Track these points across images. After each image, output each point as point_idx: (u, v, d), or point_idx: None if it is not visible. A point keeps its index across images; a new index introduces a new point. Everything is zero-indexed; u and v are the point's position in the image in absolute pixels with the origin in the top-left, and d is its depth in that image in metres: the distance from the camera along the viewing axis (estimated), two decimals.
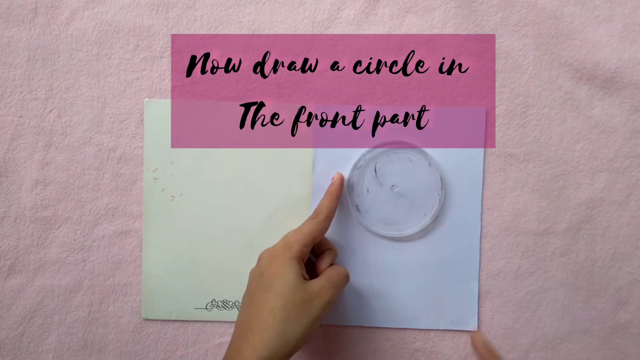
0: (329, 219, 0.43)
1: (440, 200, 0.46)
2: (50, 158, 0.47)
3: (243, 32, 0.47)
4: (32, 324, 0.48)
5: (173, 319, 0.48)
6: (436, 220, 0.47)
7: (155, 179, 0.47)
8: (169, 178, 0.47)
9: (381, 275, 0.47)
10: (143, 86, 0.47)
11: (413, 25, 0.46)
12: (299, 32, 0.47)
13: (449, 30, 0.46)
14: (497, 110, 0.47)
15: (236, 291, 0.48)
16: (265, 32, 0.47)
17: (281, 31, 0.47)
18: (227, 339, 0.48)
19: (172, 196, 0.47)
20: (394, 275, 0.47)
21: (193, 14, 0.47)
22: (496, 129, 0.47)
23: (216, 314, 0.48)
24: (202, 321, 0.48)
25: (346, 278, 0.42)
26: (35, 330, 0.48)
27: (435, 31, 0.46)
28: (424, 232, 0.47)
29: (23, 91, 0.47)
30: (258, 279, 0.40)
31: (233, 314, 0.48)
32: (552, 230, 0.47)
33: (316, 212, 0.43)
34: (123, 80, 0.47)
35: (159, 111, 0.47)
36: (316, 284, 0.40)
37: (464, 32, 0.46)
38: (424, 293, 0.47)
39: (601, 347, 0.47)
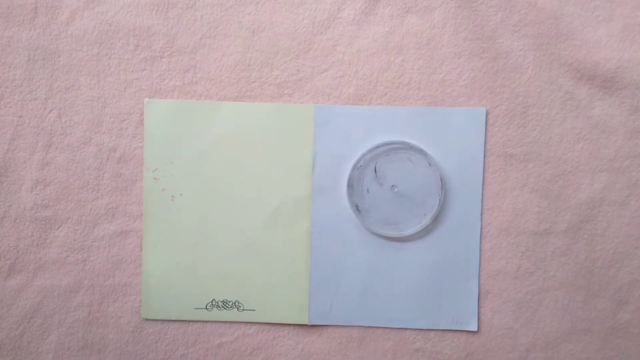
0: None
1: (440, 200, 0.46)
2: (50, 158, 0.47)
3: (243, 32, 0.47)
4: (32, 324, 0.48)
5: (173, 319, 0.48)
6: (436, 220, 0.47)
7: (155, 179, 0.47)
8: (169, 178, 0.47)
9: (381, 275, 0.47)
10: (143, 86, 0.47)
11: (413, 25, 0.46)
12: (299, 32, 0.47)
13: (449, 30, 0.46)
14: (497, 110, 0.47)
15: (236, 291, 0.48)
16: (265, 32, 0.47)
17: (281, 31, 0.47)
18: (227, 338, 0.48)
19: (172, 196, 0.47)
20: (394, 275, 0.47)
21: (193, 14, 0.47)
22: (496, 129, 0.47)
23: (216, 314, 0.48)
24: (202, 321, 0.48)
25: None
26: (35, 330, 0.48)
27: (435, 31, 0.46)
28: (424, 232, 0.47)
29: (23, 91, 0.47)
30: None
31: (233, 314, 0.48)
32: (552, 230, 0.47)
33: None
34: (123, 80, 0.47)
35: (159, 111, 0.47)
36: None
37: (464, 32, 0.46)
38: (424, 293, 0.47)
39: (601, 347, 0.47)
